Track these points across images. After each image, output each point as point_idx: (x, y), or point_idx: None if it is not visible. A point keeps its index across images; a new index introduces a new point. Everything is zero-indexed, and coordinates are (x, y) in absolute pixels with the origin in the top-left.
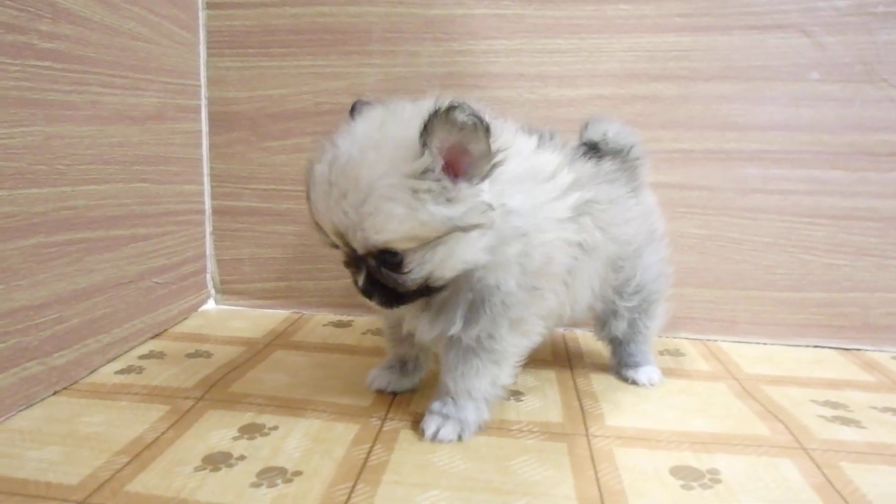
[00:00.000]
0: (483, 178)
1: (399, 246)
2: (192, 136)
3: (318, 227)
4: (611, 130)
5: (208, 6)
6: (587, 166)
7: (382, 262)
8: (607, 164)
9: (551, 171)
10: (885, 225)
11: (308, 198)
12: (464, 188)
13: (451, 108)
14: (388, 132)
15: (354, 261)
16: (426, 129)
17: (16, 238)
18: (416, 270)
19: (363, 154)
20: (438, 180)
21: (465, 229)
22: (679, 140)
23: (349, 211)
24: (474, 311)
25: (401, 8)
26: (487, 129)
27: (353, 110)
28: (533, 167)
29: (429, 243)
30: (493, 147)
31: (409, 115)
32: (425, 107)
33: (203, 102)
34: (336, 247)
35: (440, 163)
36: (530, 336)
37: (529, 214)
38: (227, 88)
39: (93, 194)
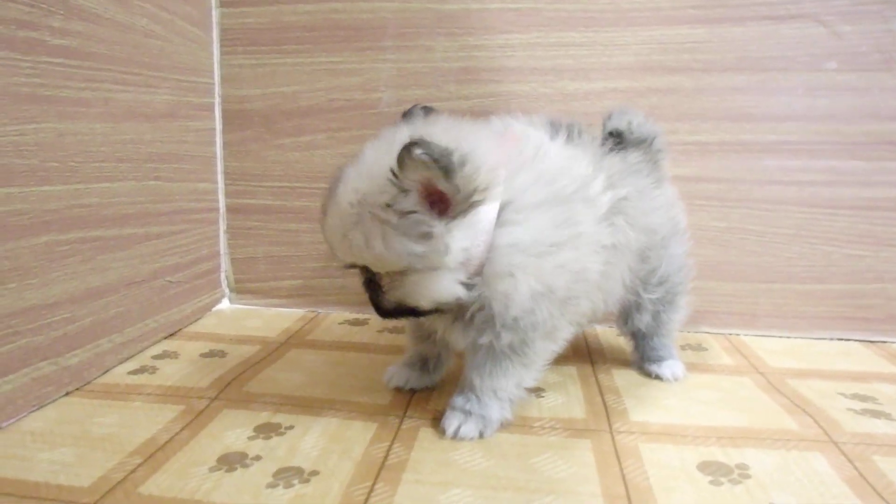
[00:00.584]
0: (455, 217)
1: (371, 268)
2: (205, 133)
3: None
4: (635, 120)
5: (222, 4)
6: (615, 160)
7: (369, 275)
8: (632, 156)
9: (581, 184)
10: None
11: None
12: (438, 226)
13: (411, 145)
14: (374, 161)
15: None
16: (398, 163)
17: (28, 236)
18: (390, 293)
19: (348, 181)
20: (410, 213)
21: (419, 271)
22: (695, 132)
23: (328, 230)
24: (506, 325)
25: (415, 3)
26: (447, 168)
27: (404, 116)
28: (558, 191)
29: (397, 272)
30: (472, 185)
31: (389, 146)
32: (400, 139)
33: (217, 100)
34: None
35: (416, 197)
36: (559, 342)
37: (532, 246)
38: (240, 86)
39: (106, 192)
